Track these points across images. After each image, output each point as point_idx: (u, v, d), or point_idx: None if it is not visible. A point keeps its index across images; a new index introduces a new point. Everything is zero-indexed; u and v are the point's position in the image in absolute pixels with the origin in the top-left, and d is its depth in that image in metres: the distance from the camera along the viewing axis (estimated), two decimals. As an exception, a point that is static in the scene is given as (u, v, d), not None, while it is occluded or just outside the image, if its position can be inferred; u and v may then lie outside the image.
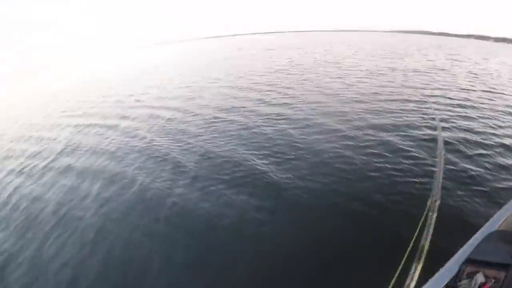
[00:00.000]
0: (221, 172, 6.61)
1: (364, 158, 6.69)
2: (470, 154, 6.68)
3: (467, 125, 8.55)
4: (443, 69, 19.72)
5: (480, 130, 8.15)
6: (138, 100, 15.67)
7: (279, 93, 13.79)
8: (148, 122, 11.36)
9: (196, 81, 19.39)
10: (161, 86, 18.91)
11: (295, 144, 7.74)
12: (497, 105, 11.00)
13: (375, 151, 6.94)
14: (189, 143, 8.51)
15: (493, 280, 2.23)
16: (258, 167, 6.66)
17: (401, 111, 9.93)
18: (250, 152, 7.43)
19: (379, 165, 6.33)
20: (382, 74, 17.93)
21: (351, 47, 39.41)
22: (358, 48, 37.65)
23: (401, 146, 7.11)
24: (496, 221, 3.09)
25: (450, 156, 6.26)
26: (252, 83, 16.66)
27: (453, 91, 12.93)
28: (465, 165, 6.11)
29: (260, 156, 7.13)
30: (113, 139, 9.90)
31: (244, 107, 11.80)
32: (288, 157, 7.04)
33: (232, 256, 4.45)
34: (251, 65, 26.20)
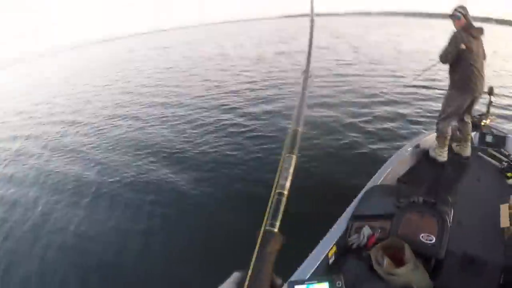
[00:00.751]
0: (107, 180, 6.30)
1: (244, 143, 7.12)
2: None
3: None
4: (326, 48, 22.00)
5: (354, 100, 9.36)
6: (30, 117, 13.70)
7: (167, 92, 13.73)
8: (41, 139, 10.20)
9: (84, 90, 17.80)
10: (50, 100, 16.69)
11: (183, 141, 7.81)
12: (381, 74, 12.85)
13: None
14: (83, 156, 7.93)
15: (379, 230, 2.27)
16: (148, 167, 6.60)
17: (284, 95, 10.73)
18: (135, 156, 7.30)
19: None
20: (267, 59, 19.08)
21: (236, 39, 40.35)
22: (244, 38, 38.87)
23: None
24: (378, 178, 3.32)
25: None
26: (140, 86, 16.24)
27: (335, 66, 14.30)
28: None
29: (151, 159, 7.01)
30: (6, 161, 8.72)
31: (130, 111, 11.56)
32: (176, 155, 7.06)
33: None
34: (142, 66, 25.13)
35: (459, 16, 3.44)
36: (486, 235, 2.47)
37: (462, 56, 3.40)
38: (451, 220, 2.21)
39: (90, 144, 8.70)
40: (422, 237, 2.16)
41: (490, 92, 4.16)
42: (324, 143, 6.92)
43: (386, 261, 2.06)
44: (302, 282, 1.48)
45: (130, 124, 9.85)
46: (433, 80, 10.96)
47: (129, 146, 7.97)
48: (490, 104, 4.26)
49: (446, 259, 2.07)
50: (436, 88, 10.30)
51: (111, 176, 6.39)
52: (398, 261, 2.06)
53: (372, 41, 25.42)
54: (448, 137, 3.78)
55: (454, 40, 3.39)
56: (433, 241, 2.12)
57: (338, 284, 1.45)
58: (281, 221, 0.56)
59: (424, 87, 10.71)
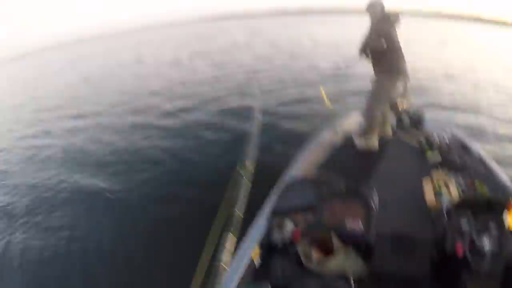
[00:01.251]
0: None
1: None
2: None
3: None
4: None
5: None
6: None
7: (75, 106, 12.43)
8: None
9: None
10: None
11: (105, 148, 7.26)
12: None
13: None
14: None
15: (303, 223, 2.15)
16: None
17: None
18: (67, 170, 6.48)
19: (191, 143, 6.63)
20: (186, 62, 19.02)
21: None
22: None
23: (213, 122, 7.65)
24: (295, 167, 3.30)
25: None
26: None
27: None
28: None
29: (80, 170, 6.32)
30: None
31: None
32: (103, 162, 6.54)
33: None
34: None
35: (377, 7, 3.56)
36: (413, 214, 2.47)
37: (389, 45, 3.46)
38: (376, 204, 2.11)
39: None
40: (348, 223, 2.03)
41: None
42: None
43: (315, 254, 1.90)
44: None
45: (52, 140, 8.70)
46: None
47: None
48: (406, 87, 4.31)
49: (376, 242, 1.96)
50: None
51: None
52: (328, 252, 1.91)
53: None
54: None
55: (376, 32, 3.49)
56: (361, 226, 1.99)
57: None
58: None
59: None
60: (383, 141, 3.83)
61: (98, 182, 5.61)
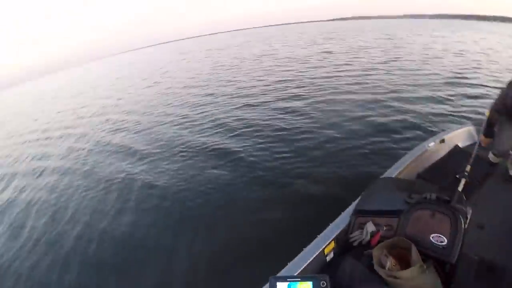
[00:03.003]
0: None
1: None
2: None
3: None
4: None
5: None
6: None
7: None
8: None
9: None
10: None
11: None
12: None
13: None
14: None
15: (385, 228, 2.08)
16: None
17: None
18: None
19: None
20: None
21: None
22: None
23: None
24: (393, 172, 3.15)
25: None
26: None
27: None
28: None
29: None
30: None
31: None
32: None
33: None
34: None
35: None
36: (509, 242, 2.20)
37: None
38: (467, 221, 1.92)
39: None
40: (432, 237, 1.90)
41: None
42: (342, 136, 6.87)
43: (389, 262, 1.82)
44: (284, 279, 1.34)
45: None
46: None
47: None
48: None
49: (461, 264, 1.81)
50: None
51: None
52: (404, 264, 1.82)
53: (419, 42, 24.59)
54: None
55: None
56: (445, 243, 1.85)
57: (323, 284, 1.29)
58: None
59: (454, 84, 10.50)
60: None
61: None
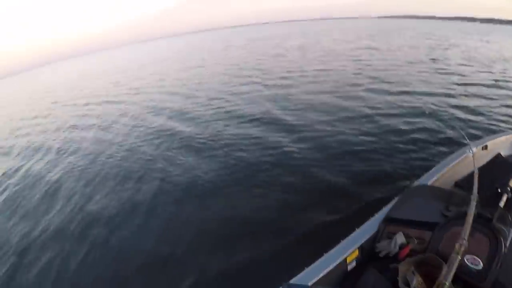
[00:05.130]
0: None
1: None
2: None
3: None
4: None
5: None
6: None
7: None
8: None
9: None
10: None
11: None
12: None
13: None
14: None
15: (416, 241, 1.90)
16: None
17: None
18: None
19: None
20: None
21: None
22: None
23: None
24: (428, 178, 2.91)
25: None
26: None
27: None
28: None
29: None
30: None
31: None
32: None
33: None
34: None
35: None
36: None
37: None
38: (507, 244, 1.72)
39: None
40: (467, 259, 1.73)
41: None
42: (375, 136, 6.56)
43: (416, 280, 1.69)
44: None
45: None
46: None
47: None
48: None
49: None
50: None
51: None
52: (432, 283, 1.65)
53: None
54: None
55: None
56: (480, 266, 1.69)
57: None
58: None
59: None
60: None
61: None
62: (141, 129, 9.18)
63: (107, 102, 14.44)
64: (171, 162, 6.43)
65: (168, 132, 8.44)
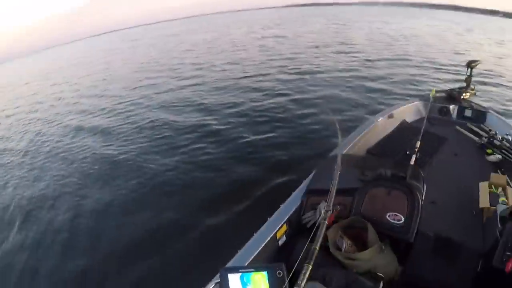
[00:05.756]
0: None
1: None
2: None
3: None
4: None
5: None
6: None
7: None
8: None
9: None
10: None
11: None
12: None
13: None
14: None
15: (339, 208, 2.06)
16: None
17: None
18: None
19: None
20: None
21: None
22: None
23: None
24: (342, 148, 3.05)
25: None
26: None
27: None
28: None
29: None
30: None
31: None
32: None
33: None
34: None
35: None
36: (462, 216, 2.22)
37: None
38: (423, 198, 1.88)
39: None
40: (389, 216, 1.83)
41: (469, 65, 3.91)
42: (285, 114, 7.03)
43: (345, 244, 1.72)
44: (236, 270, 1.21)
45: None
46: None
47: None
48: (470, 77, 4.00)
49: (417, 242, 1.77)
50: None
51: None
52: (361, 244, 1.73)
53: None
54: None
55: None
56: (402, 221, 1.79)
57: (279, 274, 1.18)
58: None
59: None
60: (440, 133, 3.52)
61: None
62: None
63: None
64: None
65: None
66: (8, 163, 7.42)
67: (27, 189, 5.76)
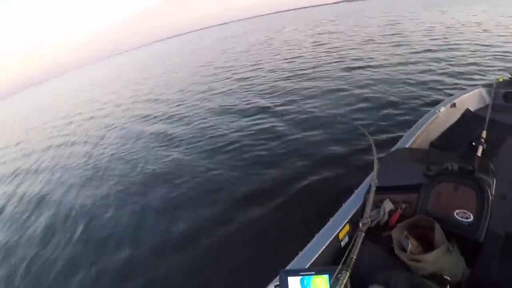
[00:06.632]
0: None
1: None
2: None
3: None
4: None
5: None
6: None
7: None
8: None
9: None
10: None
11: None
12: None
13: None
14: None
15: (404, 205, 2.00)
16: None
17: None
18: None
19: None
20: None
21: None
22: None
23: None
24: (405, 142, 2.95)
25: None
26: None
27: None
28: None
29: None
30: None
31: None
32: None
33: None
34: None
35: None
36: None
37: None
38: (493, 193, 1.75)
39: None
40: (457, 214, 1.73)
41: None
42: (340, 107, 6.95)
43: (411, 244, 1.68)
44: (296, 272, 1.20)
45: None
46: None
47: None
48: None
49: (486, 241, 1.64)
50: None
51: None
52: (426, 244, 1.68)
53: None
54: None
55: None
56: (471, 219, 1.69)
57: (340, 276, 1.16)
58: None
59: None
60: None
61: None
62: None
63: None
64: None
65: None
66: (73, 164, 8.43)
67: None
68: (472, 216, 1.69)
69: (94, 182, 6.70)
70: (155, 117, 10.57)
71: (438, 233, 1.65)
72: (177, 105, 11.17)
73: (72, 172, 7.86)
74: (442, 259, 1.56)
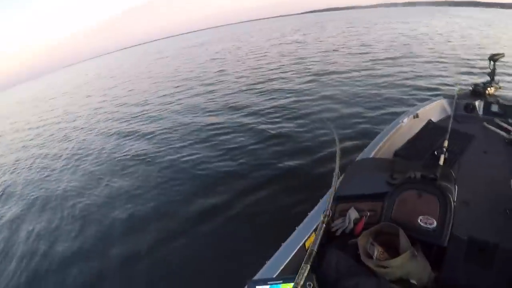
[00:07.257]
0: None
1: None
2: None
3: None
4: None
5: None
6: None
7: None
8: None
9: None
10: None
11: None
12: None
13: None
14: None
15: (369, 213, 2.03)
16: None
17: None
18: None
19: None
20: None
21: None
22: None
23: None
24: (369, 152, 3.02)
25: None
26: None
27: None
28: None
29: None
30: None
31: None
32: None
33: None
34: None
35: None
36: (496, 217, 2.07)
37: None
38: (455, 199, 1.81)
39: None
40: (420, 220, 1.77)
41: (492, 58, 3.84)
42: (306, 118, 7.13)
43: (377, 251, 1.66)
44: (265, 282, 1.24)
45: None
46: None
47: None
48: (493, 71, 3.93)
49: (450, 246, 1.69)
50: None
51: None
52: (392, 251, 1.67)
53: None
54: None
55: None
56: (434, 225, 1.73)
57: (309, 285, 1.19)
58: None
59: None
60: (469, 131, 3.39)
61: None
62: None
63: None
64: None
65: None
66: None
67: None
68: (435, 222, 1.72)
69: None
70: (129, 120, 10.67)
71: (403, 239, 1.65)
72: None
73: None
74: (408, 264, 1.56)
